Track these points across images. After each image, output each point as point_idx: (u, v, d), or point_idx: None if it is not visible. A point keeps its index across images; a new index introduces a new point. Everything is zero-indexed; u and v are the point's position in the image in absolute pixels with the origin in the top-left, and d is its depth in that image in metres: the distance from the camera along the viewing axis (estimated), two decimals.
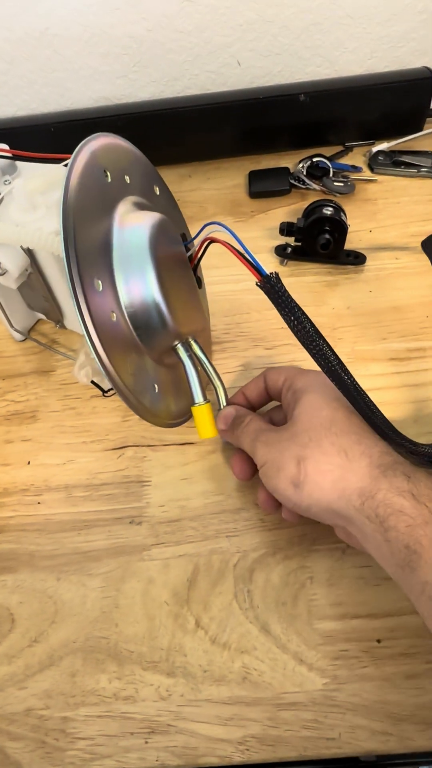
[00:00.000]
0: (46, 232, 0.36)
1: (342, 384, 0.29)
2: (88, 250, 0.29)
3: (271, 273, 0.29)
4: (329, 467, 0.28)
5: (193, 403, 0.36)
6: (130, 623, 0.33)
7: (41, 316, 0.47)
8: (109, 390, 0.41)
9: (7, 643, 0.33)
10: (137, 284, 0.31)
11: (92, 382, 0.40)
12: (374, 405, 0.29)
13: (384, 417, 0.29)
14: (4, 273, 0.38)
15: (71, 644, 0.33)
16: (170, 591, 0.34)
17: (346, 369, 0.29)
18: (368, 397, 0.29)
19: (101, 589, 0.35)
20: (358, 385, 0.29)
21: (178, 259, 0.35)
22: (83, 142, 0.32)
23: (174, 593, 0.34)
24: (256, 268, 0.29)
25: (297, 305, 0.29)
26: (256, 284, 0.30)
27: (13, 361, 0.46)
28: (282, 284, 0.29)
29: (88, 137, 0.32)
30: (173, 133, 0.57)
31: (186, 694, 0.31)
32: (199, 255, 0.36)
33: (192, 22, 0.53)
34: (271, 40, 0.55)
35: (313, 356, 0.29)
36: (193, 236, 0.35)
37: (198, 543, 0.36)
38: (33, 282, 0.41)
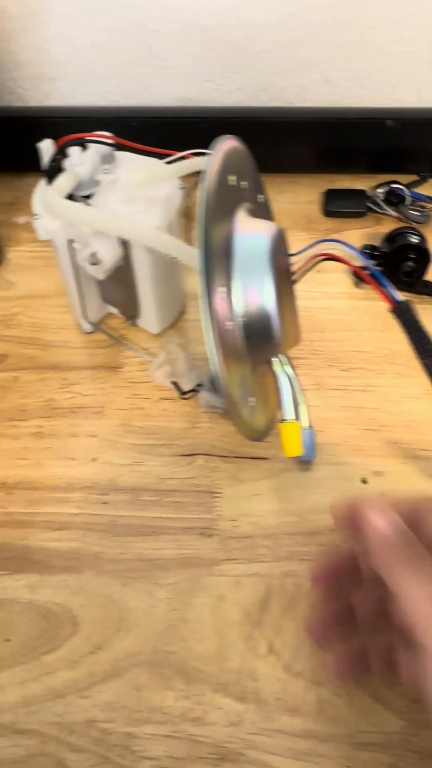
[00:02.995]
0: (148, 226, 0.35)
1: None
2: (215, 254, 0.28)
3: (403, 300, 0.28)
4: None
5: (283, 419, 0.35)
6: (199, 640, 0.32)
7: (112, 309, 0.46)
8: (187, 392, 0.40)
9: (69, 646, 0.32)
10: (255, 293, 0.30)
11: (173, 383, 0.39)
12: None
13: None
14: (98, 263, 0.37)
15: (137, 655, 0.32)
16: (241, 611, 0.33)
17: None
18: None
19: (169, 601, 0.33)
20: None
21: (285, 271, 0.34)
22: (217, 143, 0.31)
23: (245, 613, 0.33)
24: (388, 294, 0.28)
25: (428, 334, 0.28)
26: (389, 311, 0.29)
27: (80, 353, 0.45)
28: (414, 312, 0.28)
29: (220, 138, 0.32)
30: (253, 141, 0.57)
31: (257, 722, 0.30)
32: (304, 269, 0.35)
33: (290, 35, 0.53)
34: (363, 63, 0.55)
35: None
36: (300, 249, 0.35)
37: (270, 563, 0.35)
38: (117, 275, 0.40)
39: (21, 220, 0.56)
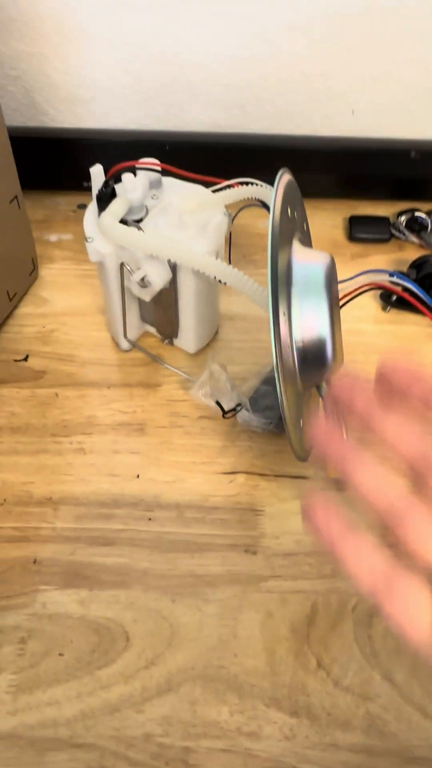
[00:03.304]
0: (201, 252, 0.37)
1: None
2: (279, 282, 0.30)
3: None
4: None
5: None
6: (250, 655, 0.33)
7: (150, 329, 0.47)
8: (229, 412, 0.41)
9: (123, 661, 0.33)
10: (312, 320, 0.32)
11: (216, 402, 0.40)
12: None
13: None
14: (148, 286, 0.39)
15: (189, 670, 0.32)
16: (289, 627, 0.34)
17: None
18: None
19: (218, 617, 0.34)
20: None
21: (335, 297, 0.36)
22: (279, 176, 0.33)
23: (293, 629, 0.34)
24: None
25: None
26: None
27: (117, 370, 0.46)
28: None
29: (282, 170, 0.33)
30: (279, 168, 0.59)
31: (311, 736, 0.31)
32: (351, 297, 0.36)
33: (321, 67, 0.55)
34: (389, 96, 0.57)
35: None
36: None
37: (315, 580, 0.36)
38: (159, 296, 0.41)
39: (53, 237, 0.57)
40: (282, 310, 0.30)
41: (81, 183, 0.60)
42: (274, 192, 0.31)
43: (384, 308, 0.51)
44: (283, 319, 0.30)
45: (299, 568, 0.36)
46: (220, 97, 0.58)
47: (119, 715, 0.31)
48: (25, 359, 0.46)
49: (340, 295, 0.37)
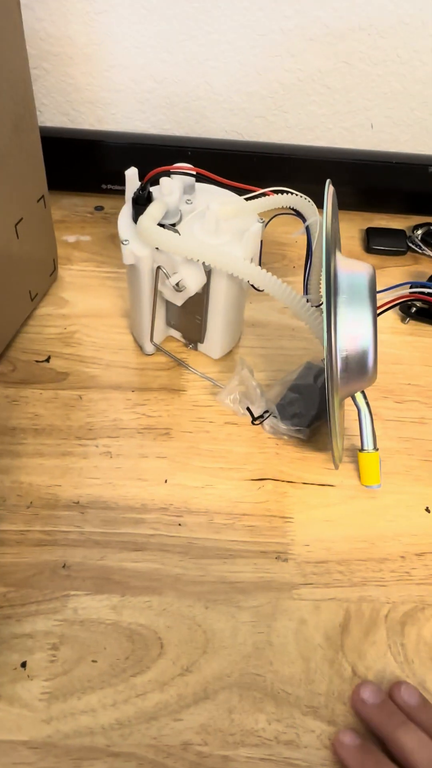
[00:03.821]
0: (238, 257, 0.37)
1: None
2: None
3: None
4: None
5: (362, 449, 0.36)
6: (286, 663, 0.33)
7: (174, 333, 0.47)
8: (258, 418, 0.41)
9: (158, 668, 0.32)
10: (356, 330, 0.32)
11: (247, 408, 0.41)
12: None
13: None
14: (183, 290, 0.39)
15: (225, 678, 0.32)
16: (323, 634, 0.34)
17: None
18: None
19: (252, 624, 0.34)
20: None
21: (375, 308, 0.36)
22: (327, 186, 0.33)
23: (327, 637, 0.34)
24: None
25: None
26: None
27: (141, 374, 0.46)
28: None
29: (328, 182, 0.34)
30: (299, 178, 0.59)
31: None
32: (388, 307, 0.37)
33: (342, 81, 0.56)
34: (407, 112, 0.58)
35: None
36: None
37: (346, 588, 0.36)
38: (189, 301, 0.41)
39: (71, 238, 0.56)
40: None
41: (99, 185, 0.60)
42: (326, 201, 0.31)
43: (403, 320, 0.52)
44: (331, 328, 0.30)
45: (331, 576, 0.36)
46: (242, 105, 0.59)
47: (156, 724, 0.31)
48: (47, 360, 0.46)
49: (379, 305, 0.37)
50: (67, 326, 0.49)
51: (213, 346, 0.46)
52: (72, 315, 0.49)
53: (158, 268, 0.39)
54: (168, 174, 0.40)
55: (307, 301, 0.37)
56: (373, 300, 0.32)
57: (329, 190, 0.33)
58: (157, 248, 0.38)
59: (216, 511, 0.39)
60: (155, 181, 0.39)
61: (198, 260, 0.36)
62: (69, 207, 0.60)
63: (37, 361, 0.46)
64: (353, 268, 0.33)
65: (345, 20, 0.52)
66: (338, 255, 0.34)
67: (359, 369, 0.33)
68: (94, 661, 0.32)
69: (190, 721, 0.31)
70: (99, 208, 0.59)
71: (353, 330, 0.32)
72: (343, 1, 0.51)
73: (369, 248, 0.58)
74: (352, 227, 0.61)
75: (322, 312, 0.31)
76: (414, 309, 0.51)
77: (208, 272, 0.39)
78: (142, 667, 0.32)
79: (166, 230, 0.37)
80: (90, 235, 0.56)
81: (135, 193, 0.39)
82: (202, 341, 0.46)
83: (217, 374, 0.46)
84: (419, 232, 0.59)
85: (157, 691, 0.31)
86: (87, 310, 0.50)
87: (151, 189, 0.39)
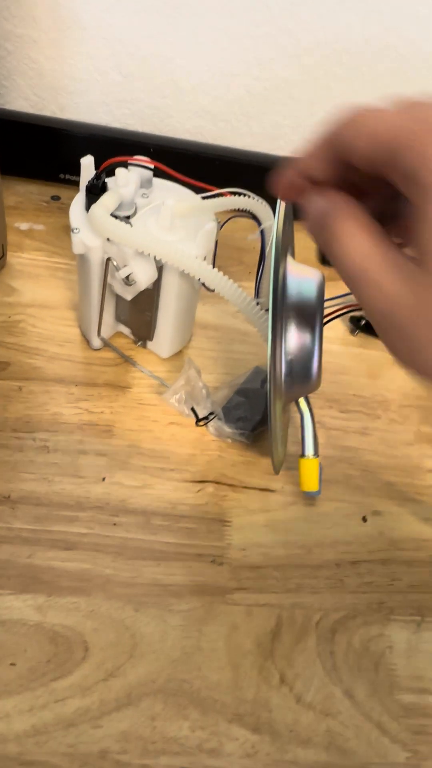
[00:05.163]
0: (191, 254, 0.36)
1: None
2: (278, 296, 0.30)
3: None
4: None
5: (303, 454, 0.36)
6: (214, 669, 0.32)
7: (123, 329, 0.46)
8: (201, 420, 0.40)
9: (81, 672, 0.31)
10: (303, 334, 0.32)
11: (191, 409, 0.40)
12: None
13: None
14: (133, 284, 0.38)
15: (151, 684, 0.31)
16: (254, 640, 0.33)
17: None
18: None
19: (182, 628, 0.33)
20: None
21: (322, 315, 0.36)
22: None
23: (258, 643, 0.33)
24: None
25: None
26: None
27: (86, 368, 0.45)
28: None
29: None
30: (260, 185, 0.60)
31: (272, 754, 0.30)
32: (335, 316, 0.37)
33: (308, 94, 0.57)
34: None
35: None
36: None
37: (280, 594, 0.35)
38: (139, 297, 0.41)
39: (23, 226, 0.55)
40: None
41: (57, 174, 0.59)
42: (278, 202, 0.31)
43: (352, 332, 0.53)
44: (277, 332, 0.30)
45: (265, 581, 0.36)
46: (208, 108, 0.58)
47: (74, 731, 0.29)
48: None
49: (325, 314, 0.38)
50: (12, 315, 0.47)
51: (162, 345, 0.45)
52: (18, 304, 0.48)
53: (108, 259, 0.38)
54: (125, 165, 0.39)
55: (257, 304, 0.37)
56: (321, 305, 0.33)
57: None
58: (108, 239, 0.37)
59: (153, 511, 0.38)
60: (111, 172, 0.38)
61: (149, 254, 0.36)
62: (24, 194, 0.58)
63: None
64: (303, 274, 0.33)
65: (312, 33, 0.52)
66: (289, 260, 0.34)
67: (303, 373, 0.33)
68: (12, 664, 0.31)
69: (110, 728, 0.30)
70: (56, 198, 0.58)
71: (299, 333, 0.32)
72: (312, 15, 0.51)
73: (324, 260, 0.58)
74: (308, 239, 0.61)
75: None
76: (363, 322, 0.52)
77: (160, 268, 0.39)
78: (64, 671, 0.31)
79: (118, 221, 0.36)
80: (44, 224, 0.55)
81: (89, 182, 0.38)
82: (151, 339, 0.45)
83: (165, 374, 0.45)
84: None
85: (78, 697, 0.30)
86: (34, 299, 0.48)
87: (107, 180, 0.39)
